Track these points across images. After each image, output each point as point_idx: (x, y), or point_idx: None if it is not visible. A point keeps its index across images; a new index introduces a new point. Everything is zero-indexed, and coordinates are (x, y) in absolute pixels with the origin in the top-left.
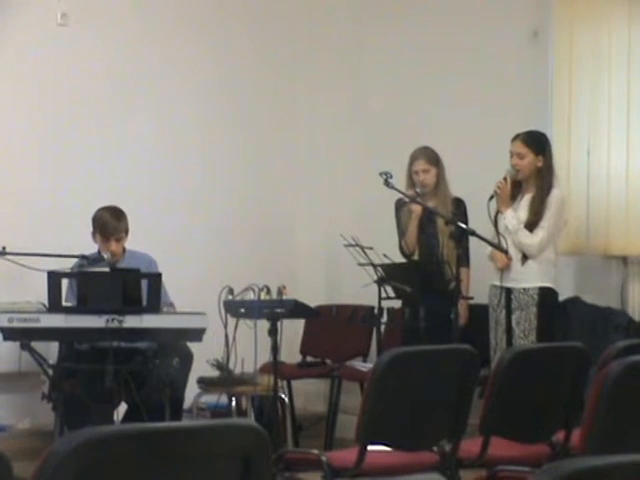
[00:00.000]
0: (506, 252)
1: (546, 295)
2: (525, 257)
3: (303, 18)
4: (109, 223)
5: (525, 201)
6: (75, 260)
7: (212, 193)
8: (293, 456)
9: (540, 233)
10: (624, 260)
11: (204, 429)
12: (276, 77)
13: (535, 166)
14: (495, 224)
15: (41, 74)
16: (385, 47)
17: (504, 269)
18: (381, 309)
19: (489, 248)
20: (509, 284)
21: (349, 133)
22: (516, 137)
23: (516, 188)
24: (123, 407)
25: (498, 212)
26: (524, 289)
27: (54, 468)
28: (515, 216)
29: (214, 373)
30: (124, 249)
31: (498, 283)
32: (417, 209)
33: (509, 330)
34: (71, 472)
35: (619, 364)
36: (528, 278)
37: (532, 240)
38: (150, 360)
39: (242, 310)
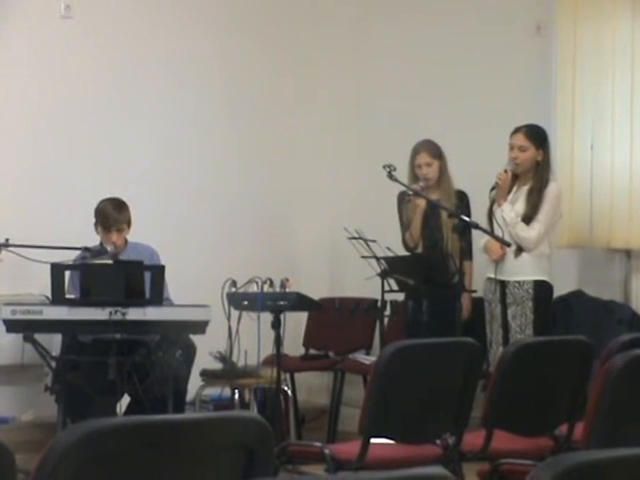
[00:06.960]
0: (509, 245)
1: (541, 289)
2: (519, 250)
3: (307, 14)
4: (110, 214)
5: (521, 194)
6: (78, 252)
7: (215, 186)
8: (296, 449)
9: (537, 226)
10: (627, 253)
11: (207, 422)
12: (278, 71)
13: (535, 160)
14: (490, 216)
15: (44, 66)
16: (388, 41)
17: (498, 261)
18: (384, 302)
19: (483, 240)
20: (503, 277)
21: (352, 126)
22: (517, 130)
23: (512, 181)
24: (126, 399)
25: (494, 204)
26: (518, 282)
27: (57, 460)
28: (513, 209)
29: (217, 365)
30: (126, 241)
31: (493, 276)
32: (422, 203)
33: (505, 325)
34: (74, 464)
35: (622, 358)
36: (522, 271)
37: (529, 233)
38: (153, 352)
39: (245, 303)
